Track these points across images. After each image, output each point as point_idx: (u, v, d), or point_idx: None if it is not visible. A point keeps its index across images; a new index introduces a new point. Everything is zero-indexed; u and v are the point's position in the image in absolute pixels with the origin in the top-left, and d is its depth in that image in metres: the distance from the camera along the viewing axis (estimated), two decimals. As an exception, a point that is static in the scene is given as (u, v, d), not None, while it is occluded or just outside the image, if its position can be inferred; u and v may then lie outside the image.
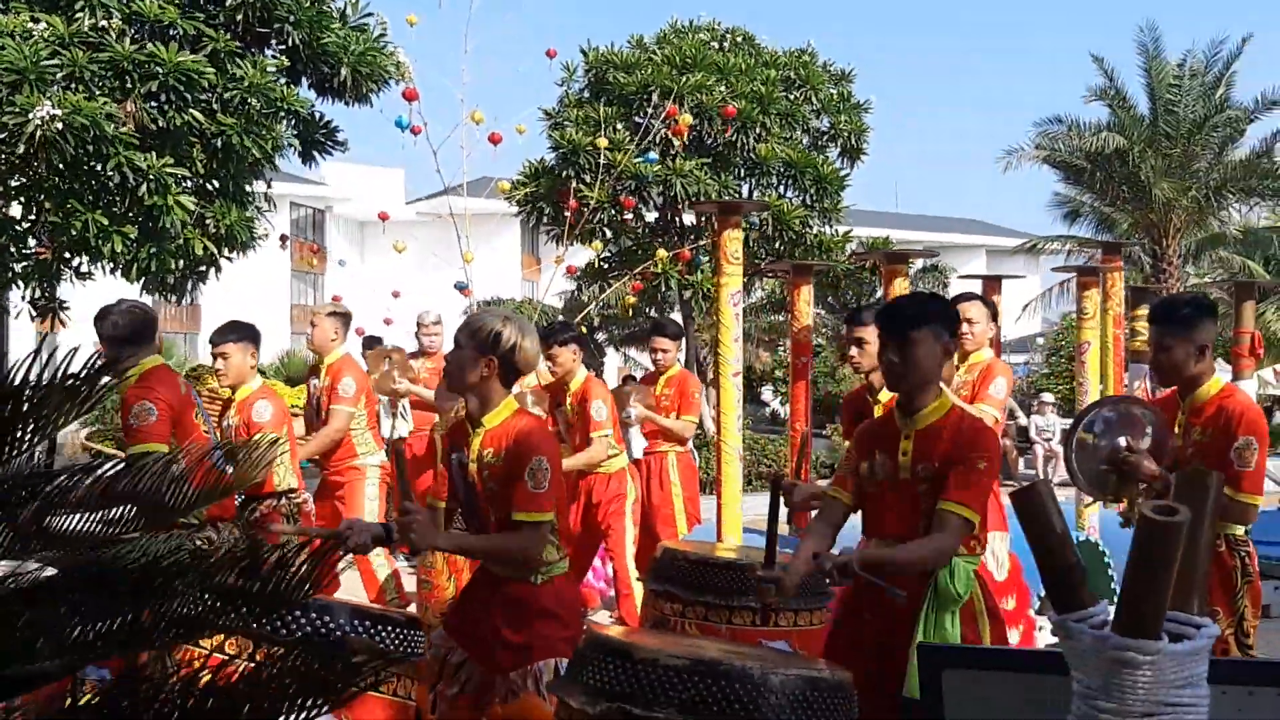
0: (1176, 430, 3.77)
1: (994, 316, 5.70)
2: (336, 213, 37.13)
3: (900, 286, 6.56)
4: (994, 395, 5.19)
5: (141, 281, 9.73)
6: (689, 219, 13.65)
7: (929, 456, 3.01)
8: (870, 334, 4.61)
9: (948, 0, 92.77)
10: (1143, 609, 1.23)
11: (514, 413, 3.17)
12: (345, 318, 6.87)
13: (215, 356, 5.46)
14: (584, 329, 13.48)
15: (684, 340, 8.75)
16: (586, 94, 13.79)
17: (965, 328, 5.43)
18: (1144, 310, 9.16)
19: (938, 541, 2.92)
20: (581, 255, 14.15)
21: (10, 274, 9.77)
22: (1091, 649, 1.25)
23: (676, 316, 16.83)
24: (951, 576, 3.03)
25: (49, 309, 10.39)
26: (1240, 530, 3.75)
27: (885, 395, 4.64)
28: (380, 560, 6.40)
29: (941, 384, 3.23)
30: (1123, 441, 3.65)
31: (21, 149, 8.21)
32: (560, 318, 22.50)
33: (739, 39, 13.90)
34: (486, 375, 3.09)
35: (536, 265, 36.45)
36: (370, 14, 10.37)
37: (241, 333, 5.47)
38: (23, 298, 10.38)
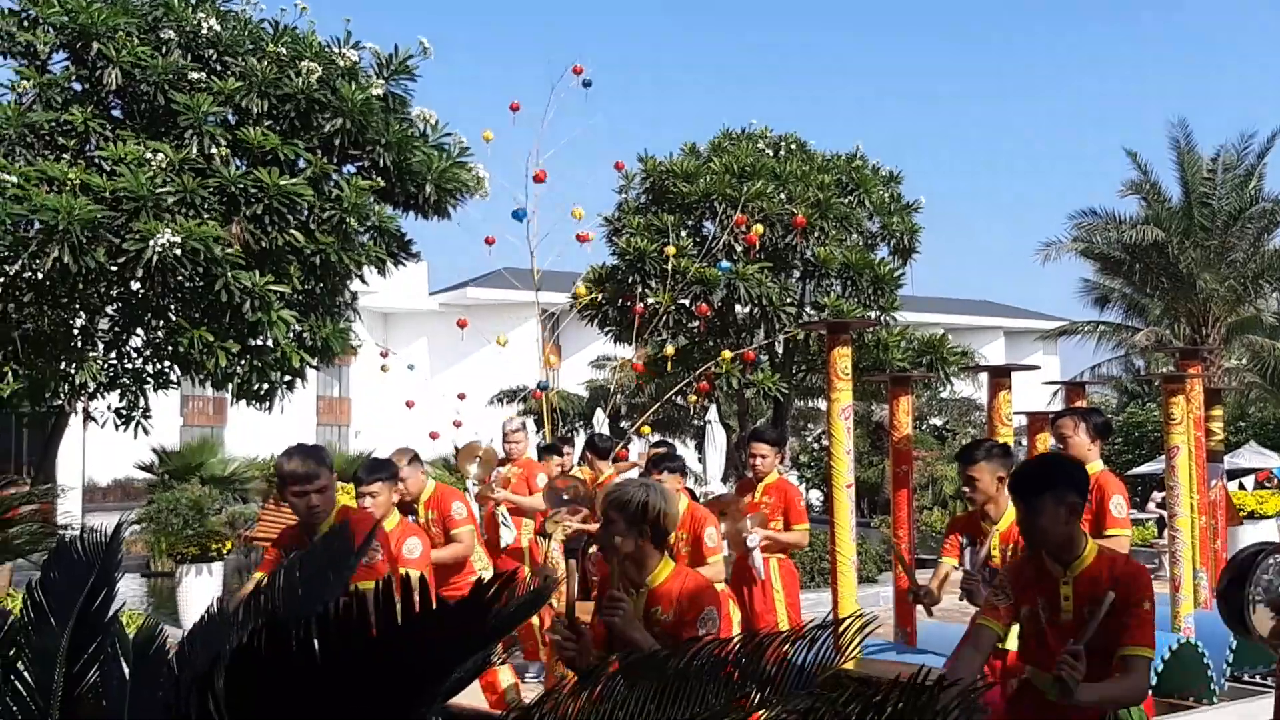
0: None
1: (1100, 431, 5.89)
2: (361, 304, 37.72)
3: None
4: (1117, 516, 5.37)
5: (236, 392, 10.09)
6: (740, 314, 13.99)
7: (1093, 600, 3.24)
8: (981, 472, 4.85)
9: (984, 99, 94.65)
10: None
11: (673, 571, 3.45)
12: (417, 457, 6.97)
13: (361, 495, 5.34)
14: (610, 416, 13.78)
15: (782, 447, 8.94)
16: (645, 200, 14.25)
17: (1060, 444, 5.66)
18: (1219, 410, 9.41)
19: (1132, 681, 3.17)
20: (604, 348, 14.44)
21: (98, 383, 10.12)
22: None
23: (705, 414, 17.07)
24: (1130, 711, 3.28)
25: (130, 417, 10.72)
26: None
27: (1003, 524, 4.84)
28: (504, 669, 6.60)
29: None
30: None
31: (140, 273, 8.61)
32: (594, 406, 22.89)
33: (792, 145, 14.39)
34: (640, 543, 3.37)
35: (558, 353, 37.00)
36: (450, 133, 10.91)
37: (389, 471, 5.53)
38: (109, 407, 10.74)
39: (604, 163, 11.78)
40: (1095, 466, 5.61)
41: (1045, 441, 7.47)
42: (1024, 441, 8.56)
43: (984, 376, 8.94)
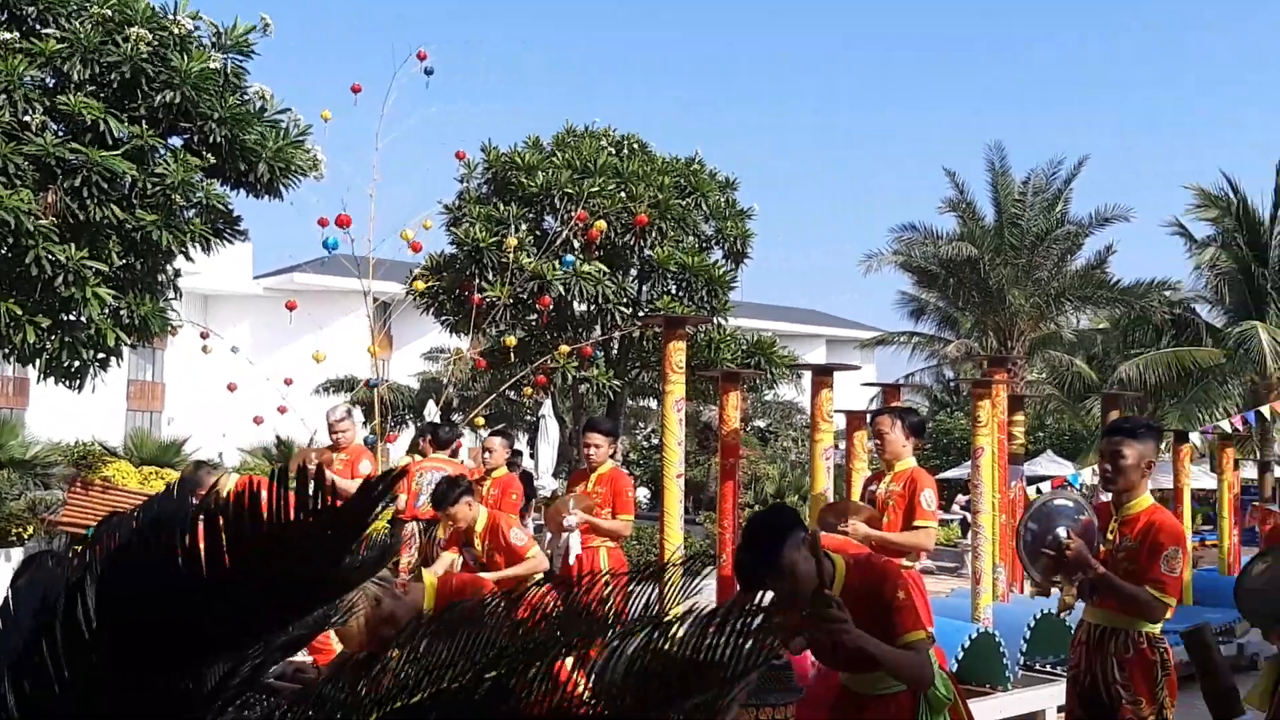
0: (1109, 535, 4.34)
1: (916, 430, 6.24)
2: (181, 285, 36.12)
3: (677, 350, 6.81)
4: (926, 509, 5.71)
5: (44, 369, 9.57)
6: (579, 309, 14.11)
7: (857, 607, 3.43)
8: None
9: (819, 112, 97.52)
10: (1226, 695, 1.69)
11: None
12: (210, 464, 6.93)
13: None
14: (442, 410, 13.76)
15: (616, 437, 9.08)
16: (486, 190, 14.20)
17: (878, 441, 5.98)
18: (1020, 417, 10.06)
19: (918, 658, 3.36)
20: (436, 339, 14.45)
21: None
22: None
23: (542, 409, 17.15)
24: (936, 685, 3.49)
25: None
26: (1158, 629, 4.29)
27: None
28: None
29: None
30: (1062, 532, 4.18)
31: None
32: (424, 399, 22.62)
33: (634, 145, 14.61)
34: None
35: (389, 344, 36.37)
36: (286, 109, 10.60)
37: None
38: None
39: (446, 151, 11.75)
40: (909, 463, 5.94)
41: (863, 439, 7.84)
42: (842, 443, 8.96)
43: (807, 380, 9.31)
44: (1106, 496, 4.53)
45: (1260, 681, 3.74)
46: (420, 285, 11.23)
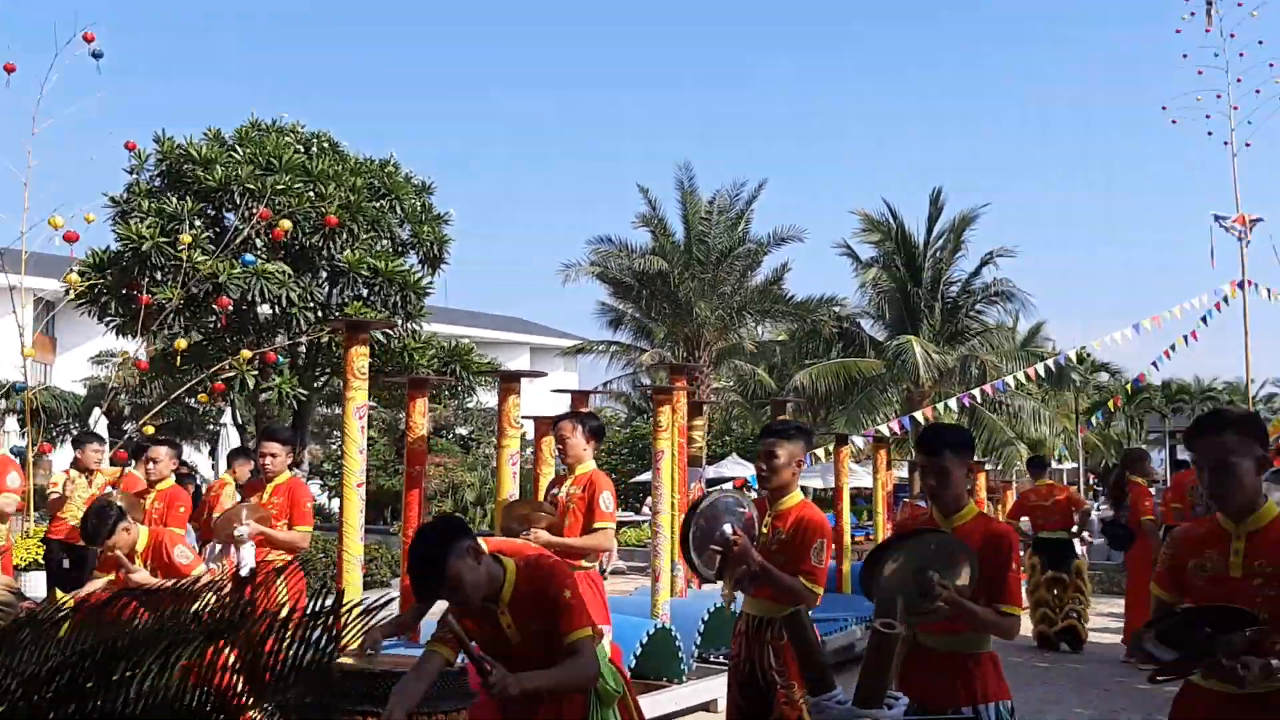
0: (764, 530, 4.63)
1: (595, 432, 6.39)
2: None
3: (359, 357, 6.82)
4: (605, 510, 5.85)
5: None
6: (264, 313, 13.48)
7: (528, 620, 3.51)
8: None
9: (522, 118, 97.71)
10: (875, 688, 1.87)
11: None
12: None
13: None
14: (109, 417, 12.83)
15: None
16: (159, 184, 13.29)
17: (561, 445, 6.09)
18: (700, 421, 10.56)
19: (581, 661, 3.38)
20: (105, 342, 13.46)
21: None
22: (840, 717, 1.86)
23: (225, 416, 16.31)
24: (605, 678, 3.60)
25: None
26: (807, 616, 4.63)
27: None
28: None
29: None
30: (728, 529, 4.43)
31: None
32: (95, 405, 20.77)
33: (324, 143, 14.14)
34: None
35: (51, 346, 33.28)
36: (-80, 83, 9.47)
37: None
38: None
39: (116, 141, 10.89)
40: (589, 466, 6.06)
41: (550, 444, 7.96)
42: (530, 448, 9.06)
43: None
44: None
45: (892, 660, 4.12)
46: (74, 280, 10.31)
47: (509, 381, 7.25)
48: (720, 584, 4.60)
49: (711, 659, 8.36)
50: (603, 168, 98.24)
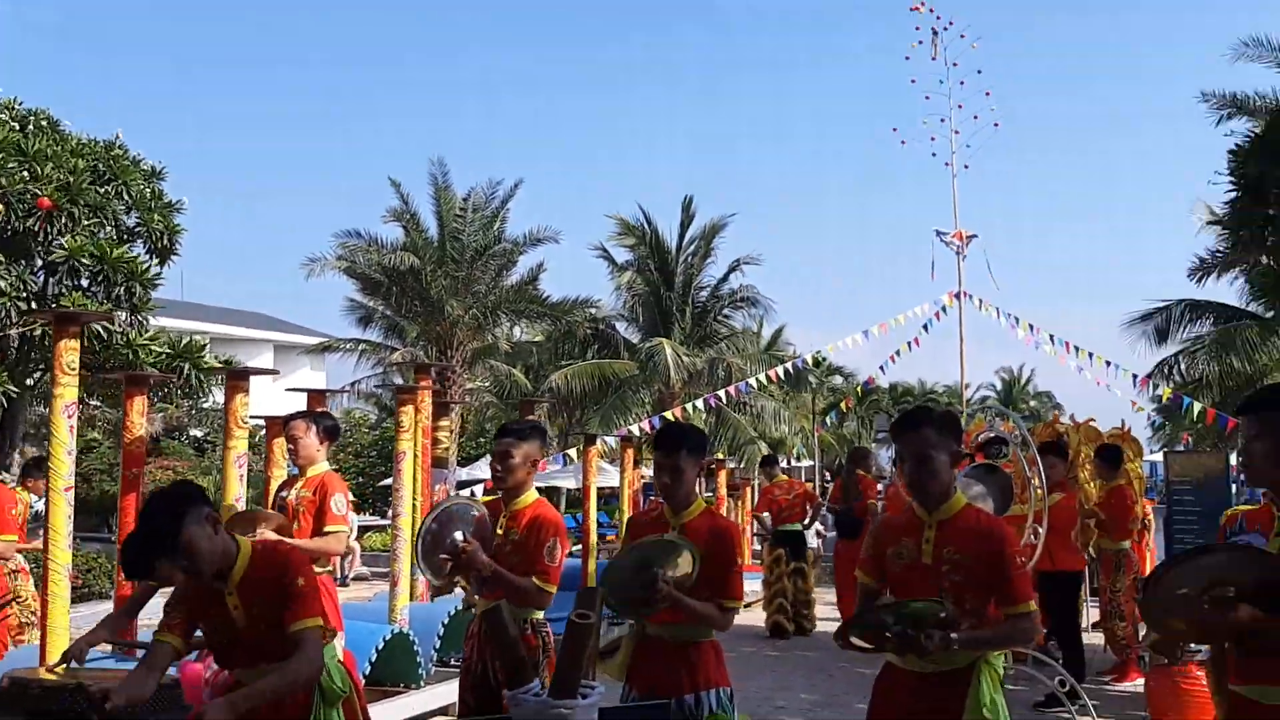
0: (499, 530, 4.61)
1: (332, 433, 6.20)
2: None
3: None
4: (336, 514, 5.66)
5: None
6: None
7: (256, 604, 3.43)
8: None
9: (265, 102, 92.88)
10: (570, 679, 1.88)
11: None
12: None
13: None
14: None
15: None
16: None
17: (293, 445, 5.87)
18: (446, 422, 10.45)
19: (306, 654, 3.25)
20: None
21: None
22: (536, 709, 1.87)
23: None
24: (331, 676, 3.49)
25: None
26: (541, 615, 4.65)
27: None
28: None
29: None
30: (459, 535, 4.40)
31: None
32: None
33: (42, 121, 13.01)
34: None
35: None
36: None
37: None
38: None
39: None
40: (322, 467, 5.86)
41: (282, 444, 7.65)
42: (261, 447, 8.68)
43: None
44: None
45: (620, 654, 4.20)
46: None
47: (237, 379, 6.91)
48: (457, 590, 4.58)
49: (452, 663, 8.28)
50: (353, 160, 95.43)
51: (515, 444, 4.61)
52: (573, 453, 20.46)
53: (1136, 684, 8.23)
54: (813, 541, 15.17)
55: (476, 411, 30.38)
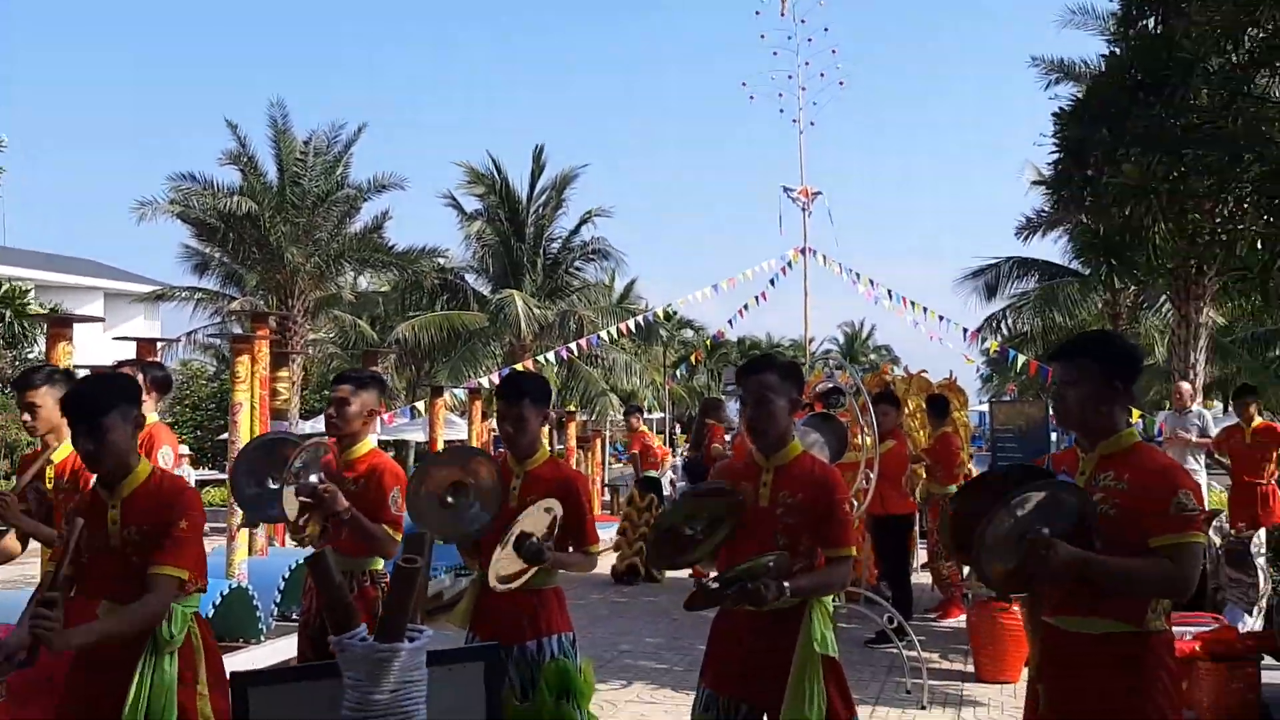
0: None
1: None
2: None
3: None
4: (162, 464, 5.44)
5: None
6: None
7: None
8: (43, 399, 4.60)
9: (92, 35, 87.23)
10: (397, 622, 1.87)
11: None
12: None
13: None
14: None
15: None
16: None
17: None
18: (285, 372, 10.15)
19: (156, 598, 3.24)
20: None
21: None
22: (362, 653, 1.85)
23: None
24: (169, 622, 3.37)
25: None
26: (380, 564, 4.59)
27: (59, 455, 4.68)
28: None
29: None
30: (315, 478, 4.28)
31: None
32: None
33: None
34: None
35: None
36: None
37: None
38: None
39: None
40: (152, 418, 5.64)
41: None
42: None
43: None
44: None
45: (464, 602, 4.20)
46: None
47: (59, 327, 6.56)
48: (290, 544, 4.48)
49: (294, 617, 8.14)
50: (187, 98, 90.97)
51: (353, 391, 4.52)
52: (420, 405, 20.20)
53: (960, 620, 8.68)
54: (667, 489, 15.48)
55: (320, 363, 29.64)
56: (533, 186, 29.55)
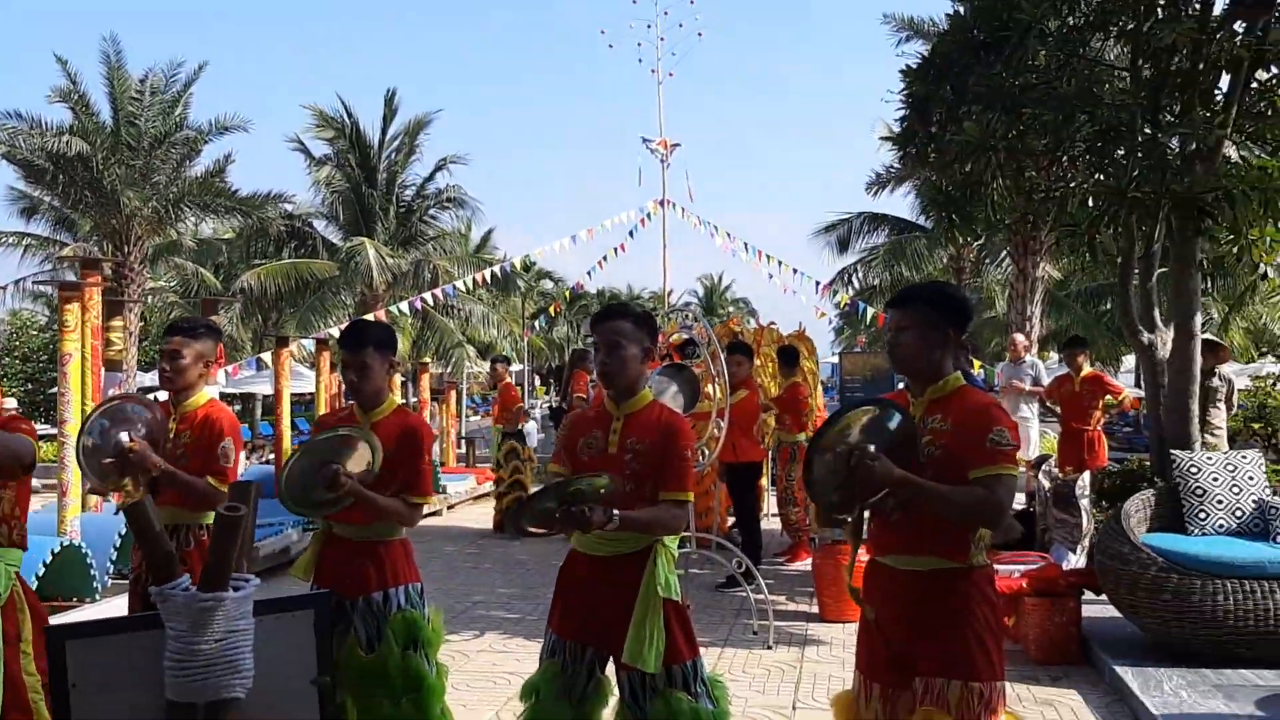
0: (170, 434, 4.36)
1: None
2: None
3: None
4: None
5: None
6: None
7: None
8: None
9: None
10: (220, 571, 1.80)
11: None
12: None
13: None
14: None
15: None
16: None
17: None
18: (119, 322, 9.66)
19: None
20: None
21: None
22: (184, 603, 1.77)
23: None
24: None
25: None
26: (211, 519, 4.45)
27: None
28: None
29: None
30: (125, 436, 4.11)
31: None
32: None
33: None
34: None
35: None
36: None
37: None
38: None
39: None
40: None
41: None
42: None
43: None
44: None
45: (306, 554, 4.11)
46: None
47: None
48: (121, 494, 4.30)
49: (129, 574, 7.85)
50: (12, 31, 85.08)
51: (185, 342, 4.37)
52: (267, 357, 19.59)
53: (807, 564, 8.97)
54: (532, 440, 15.45)
55: (160, 313, 28.40)
56: (385, 131, 28.77)
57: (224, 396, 21.56)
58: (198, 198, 22.96)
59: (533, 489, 12.01)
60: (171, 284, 29.67)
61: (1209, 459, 6.35)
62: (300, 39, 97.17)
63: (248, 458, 14.09)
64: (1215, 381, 9.45)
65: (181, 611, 1.78)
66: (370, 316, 19.93)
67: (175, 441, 4.29)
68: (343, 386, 15.68)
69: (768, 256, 20.68)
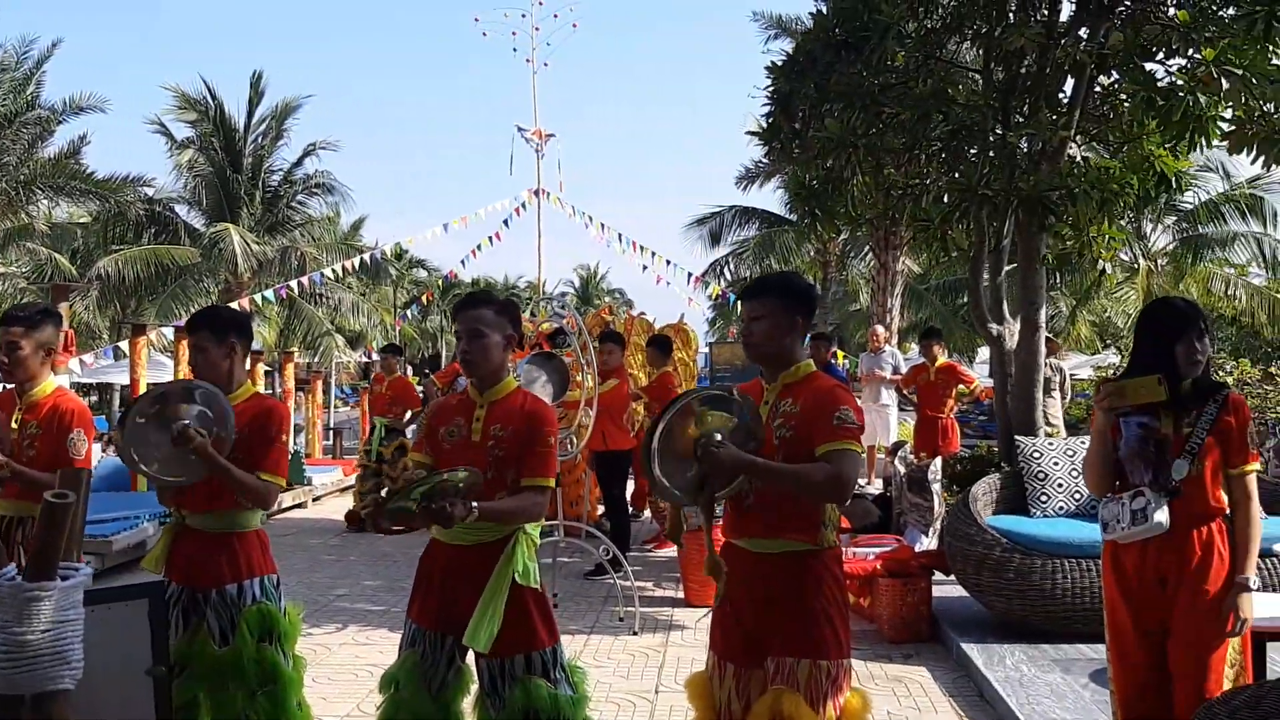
0: (14, 426, 4.21)
1: None
2: None
3: None
4: None
5: None
6: None
7: None
8: None
9: None
10: (47, 560, 1.75)
11: None
12: None
13: None
14: None
15: None
16: None
17: None
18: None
19: None
20: None
21: None
22: (10, 593, 1.72)
23: None
24: None
25: None
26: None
27: None
28: None
29: None
30: None
31: None
32: None
33: None
34: None
35: None
36: None
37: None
38: None
39: None
40: None
41: None
42: None
43: None
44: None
45: (157, 546, 3.99)
46: None
47: None
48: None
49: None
50: None
51: (24, 333, 4.24)
52: (125, 345, 18.84)
53: (673, 550, 9.10)
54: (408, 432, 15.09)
55: (10, 299, 27.02)
56: (250, 115, 27.93)
57: (78, 387, 20.64)
58: (51, 179, 21.97)
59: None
60: (24, 269, 28.29)
61: (1050, 445, 6.68)
62: (161, 16, 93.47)
63: (104, 450, 13.54)
64: (1047, 371, 9.94)
65: (6, 601, 1.73)
66: (235, 304, 19.37)
67: (22, 432, 4.16)
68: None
69: (641, 248, 20.83)
